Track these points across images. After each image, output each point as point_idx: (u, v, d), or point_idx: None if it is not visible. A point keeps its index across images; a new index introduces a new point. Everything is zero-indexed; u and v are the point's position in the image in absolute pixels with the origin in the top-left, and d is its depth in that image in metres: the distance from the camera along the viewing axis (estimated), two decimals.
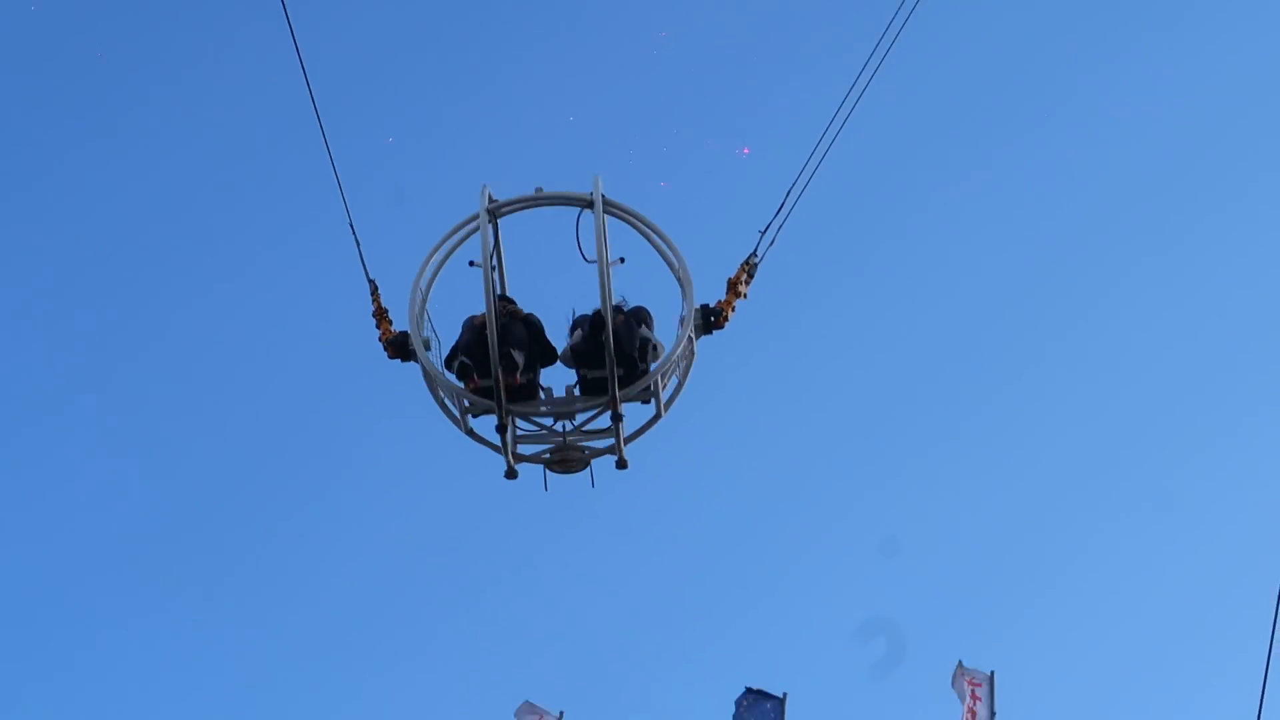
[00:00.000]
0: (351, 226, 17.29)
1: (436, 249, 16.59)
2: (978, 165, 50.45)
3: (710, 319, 16.65)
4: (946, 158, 50.55)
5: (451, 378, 16.50)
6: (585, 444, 16.70)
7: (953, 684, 31.92)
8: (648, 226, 16.37)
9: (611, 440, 16.59)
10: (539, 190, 16.52)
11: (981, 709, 31.53)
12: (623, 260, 16.43)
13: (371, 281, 17.26)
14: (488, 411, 16.42)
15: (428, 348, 16.57)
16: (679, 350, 16.44)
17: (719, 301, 16.73)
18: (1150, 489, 49.90)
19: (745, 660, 45.44)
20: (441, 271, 16.63)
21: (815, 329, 48.49)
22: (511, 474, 16.60)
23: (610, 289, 16.05)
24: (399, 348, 16.85)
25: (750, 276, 16.83)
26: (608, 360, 16.07)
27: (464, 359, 16.27)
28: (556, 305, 16.93)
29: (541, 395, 16.62)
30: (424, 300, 16.58)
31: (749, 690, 32.43)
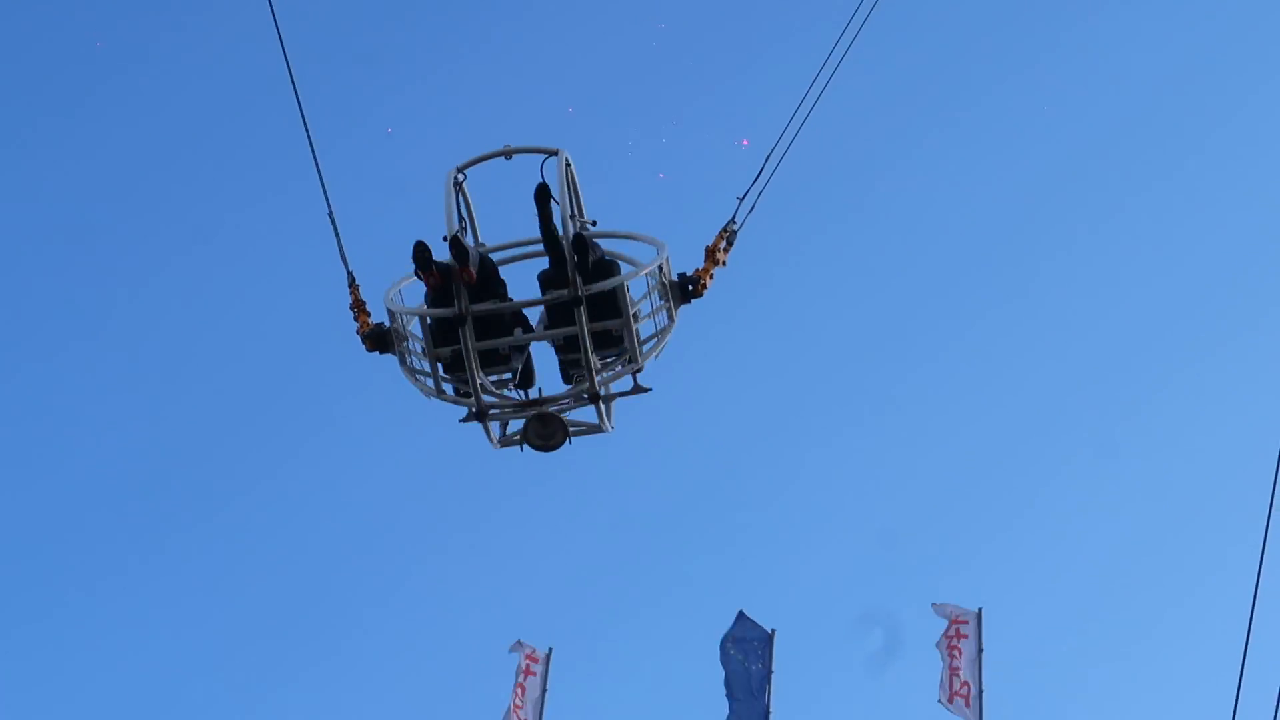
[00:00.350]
0: (331, 217, 17.07)
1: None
2: (954, 125, 50.81)
3: (688, 287, 16.37)
4: (925, 118, 50.83)
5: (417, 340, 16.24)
6: (560, 403, 16.32)
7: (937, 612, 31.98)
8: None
9: (586, 389, 16.27)
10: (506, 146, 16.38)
11: (968, 646, 31.57)
12: (595, 223, 16.41)
13: (350, 274, 16.99)
14: (459, 374, 16.20)
15: (405, 338, 16.39)
16: (651, 271, 16.22)
17: (697, 269, 16.45)
18: (1132, 420, 50.29)
19: (734, 598, 45.54)
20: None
21: (800, 275, 48.59)
22: (473, 418, 16.29)
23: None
24: (377, 340, 16.54)
25: (729, 244, 16.53)
26: (566, 249, 15.80)
27: (419, 242, 15.77)
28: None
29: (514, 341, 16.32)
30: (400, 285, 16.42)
31: (739, 620, 32.44)
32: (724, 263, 16.48)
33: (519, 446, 16.43)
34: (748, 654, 32.13)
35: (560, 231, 15.84)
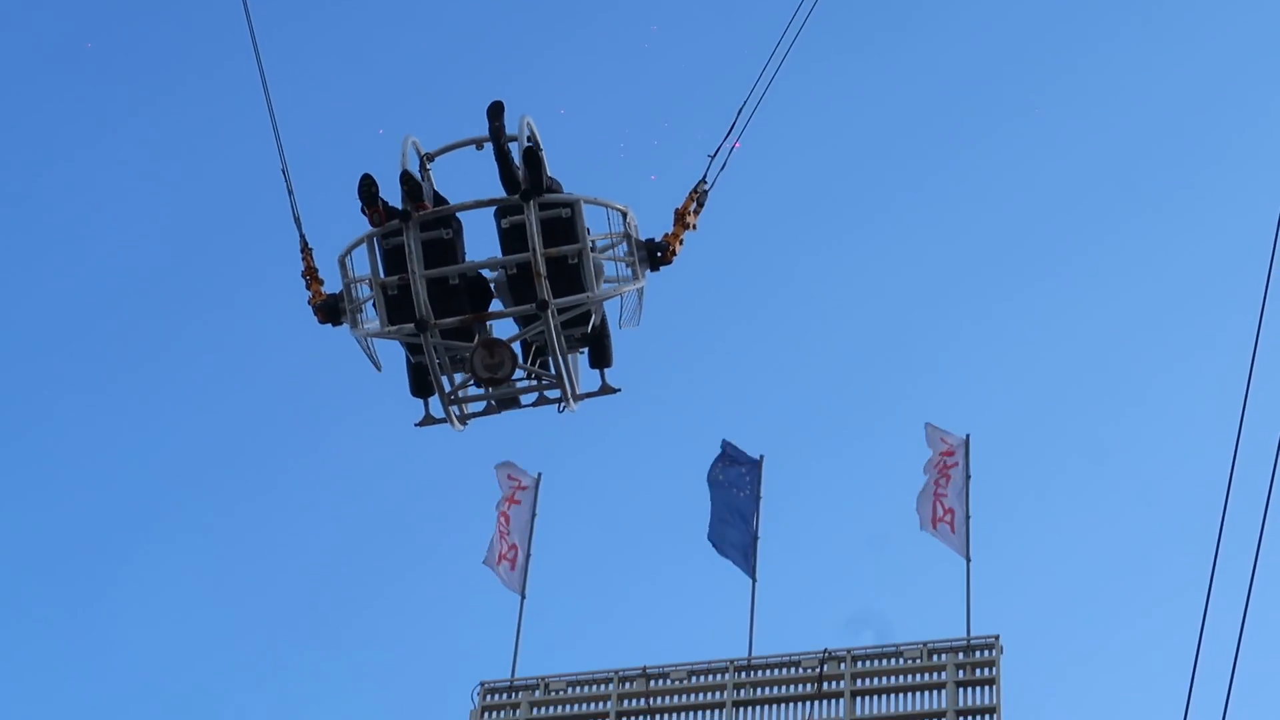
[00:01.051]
0: (285, 171, 15.87)
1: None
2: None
3: (656, 254, 15.36)
4: (898, 61, 50.52)
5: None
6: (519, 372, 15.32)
7: (927, 441, 32.11)
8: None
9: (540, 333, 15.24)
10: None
11: (956, 474, 31.73)
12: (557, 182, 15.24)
13: (303, 237, 15.71)
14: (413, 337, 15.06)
15: (359, 309, 15.29)
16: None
17: (665, 235, 15.49)
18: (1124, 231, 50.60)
19: (722, 425, 45.79)
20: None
21: None
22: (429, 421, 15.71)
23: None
24: (330, 312, 15.32)
25: (700, 206, 15.52)
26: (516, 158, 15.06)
27: (365, 174, 14.88)
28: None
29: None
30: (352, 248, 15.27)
31: (725, 449, 32.60)
32: (694, 226, 15.53)
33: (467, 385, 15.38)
34: (735, 481, 32.30)
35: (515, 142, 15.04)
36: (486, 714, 30.99)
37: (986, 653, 30.24)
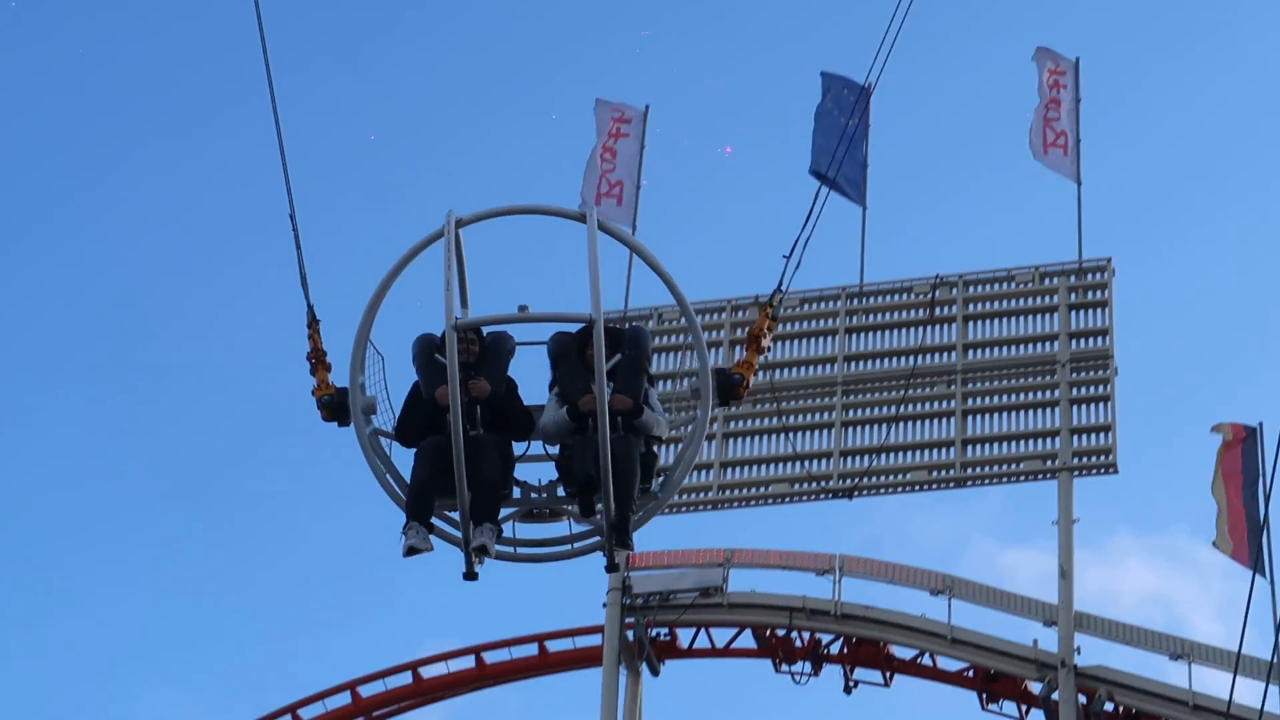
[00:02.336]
0: (292, 216, 12.80)
1: (393, 274, 12.07)
2: None
3: (726, 388, 12.60)
4: None
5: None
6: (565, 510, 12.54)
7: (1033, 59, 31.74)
8: (650, 262, 12.25)
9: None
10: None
11: (1066, 97, 31.43)
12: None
13: (311, 310, 12.62)
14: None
15: (372, 411, 12.30)
16: (688, 454, 12.49)
17: (737, 363, 12.70)
18: None
19: (825, 56, 45.38)
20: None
21: None
22: (471, 575, 12.24)
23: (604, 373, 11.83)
24: (336, 410, 12.32)
25: (774, 320, 12.89)
26: (606, 521, 12.02)
27: (413, 544, 12.07)
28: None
29: (515, 490, 12.48)
30: (366, 340, 12.22)
31: (828, 80, 32.28)
32: (769, 348, 12.92)
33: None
34: (842, 109, 32.04)
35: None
36: None
37: (1099, 275, 30.30)
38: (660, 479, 12.56)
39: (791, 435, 29.93)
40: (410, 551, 12.07)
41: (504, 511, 12.31)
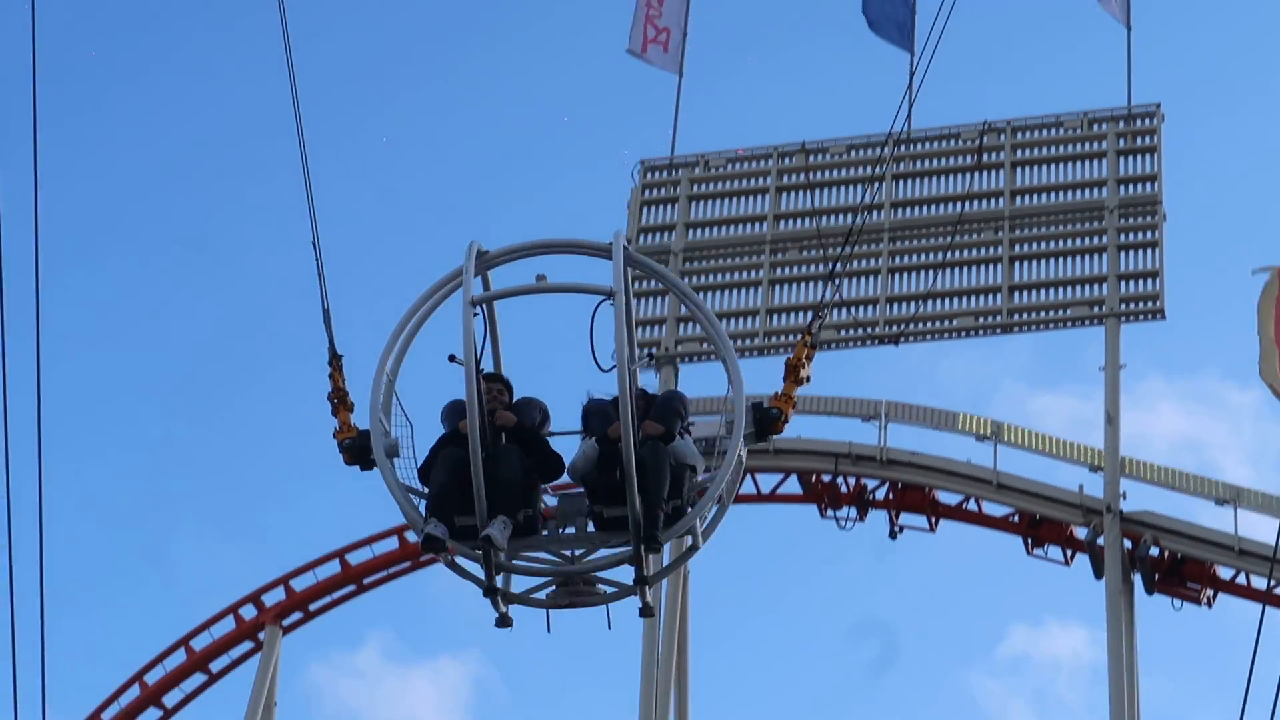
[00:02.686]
0: (315, 244, 12.21)
1: (411, 316, 11.63)
2: None
3: (763, 424, 12.00)
4: None
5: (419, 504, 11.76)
6: (598, 578, 11.88)
7: None
8: (682, 292, 11.98)
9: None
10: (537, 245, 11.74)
11: None
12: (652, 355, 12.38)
13: (333, 345, 12.05)
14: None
15: (395, 453, 11.74)
16: (725, 480, 11.78)
17: (775, 395, 12.05)
18: None
19: None
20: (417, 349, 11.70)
21: None
22: (504, 622, 11.81)
23: (632, 398, 11.39)
24: (357, 454, 11.79)
25: (813, 349, 12.21)
26: (631, 518, 11.38)
27: (431, 533, 11.42)
28: (564, 385, 12.29)
29: (543, 530, 11.86)
30: (390, 383, 11.68)
31: None
32: (808, 379, 12.18)
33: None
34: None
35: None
36: (648, 190, 31.34)
37: (1147, 121, 30.12)
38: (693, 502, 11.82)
39: (837, 282, 29.91)
40: (429, 541, 11.41)
41: (538, 581, 11.83)
